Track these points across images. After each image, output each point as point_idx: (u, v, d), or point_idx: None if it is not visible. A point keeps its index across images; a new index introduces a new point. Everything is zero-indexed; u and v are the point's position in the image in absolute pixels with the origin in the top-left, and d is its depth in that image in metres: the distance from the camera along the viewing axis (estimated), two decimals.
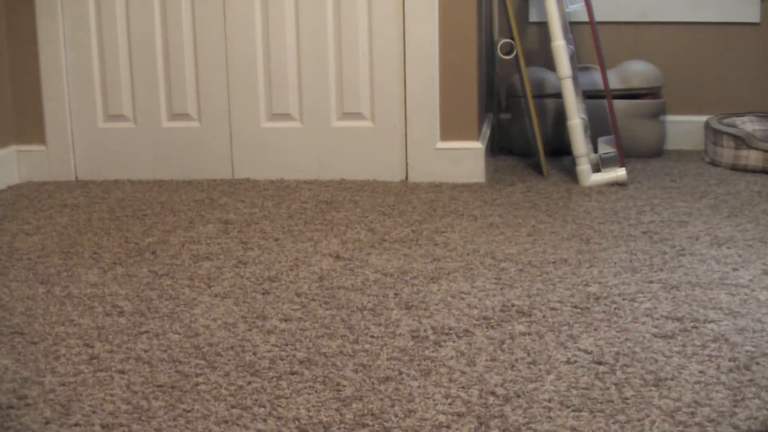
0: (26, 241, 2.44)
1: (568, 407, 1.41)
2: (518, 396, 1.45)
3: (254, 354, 1.65)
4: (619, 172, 3.02)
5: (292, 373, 1.56)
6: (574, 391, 1.46)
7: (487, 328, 1.75)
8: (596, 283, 2.01)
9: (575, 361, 1.58)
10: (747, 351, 1.61)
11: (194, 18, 3.15)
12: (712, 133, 3.36)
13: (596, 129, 3.26)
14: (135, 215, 2.71)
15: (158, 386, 1.52)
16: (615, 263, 2.15)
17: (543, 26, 3.48)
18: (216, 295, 1.98)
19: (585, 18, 3.21)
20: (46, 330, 1.79)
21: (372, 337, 1.72)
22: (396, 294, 1.96)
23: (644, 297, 1.91)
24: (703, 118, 3.54)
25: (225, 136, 3.18)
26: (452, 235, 2.42)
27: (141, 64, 3.20)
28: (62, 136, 3.25)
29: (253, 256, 2.26)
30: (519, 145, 3.62)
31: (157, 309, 1.90)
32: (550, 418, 1.38)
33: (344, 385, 1.51)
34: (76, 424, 1.39)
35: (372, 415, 1.40)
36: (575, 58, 3.18)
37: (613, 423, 1.36)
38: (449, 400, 1.45)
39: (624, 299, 1.90)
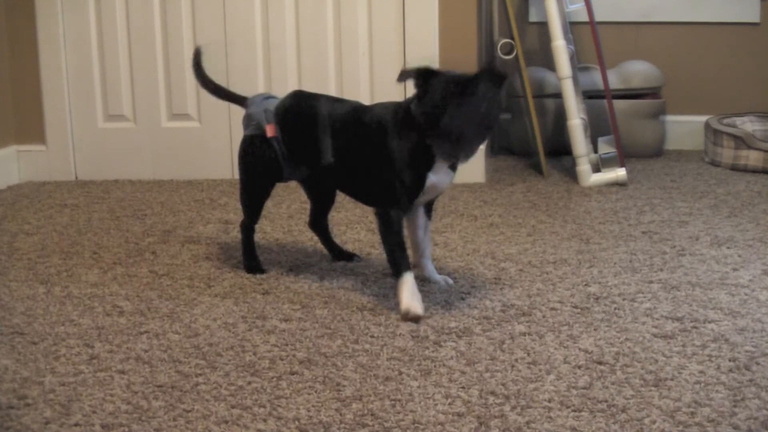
0: (26, 241, 2.44)
1: (568, 407, 1.41)
2: (518, 396, 1.45)
3: (254, 354, 1.65)
4: (619, 172, 3.02)
5: (292, 373, 1.56)
6: (574, 391, 1.46)
7: (487, 328, 1.75)
8: (596, 283, 2.01)
9: (575, 361, 1.58)
10: (747, 351, 1.61)
11: (194, 18, 3.15)
12: (712, 133, 3.36)
13: (596, 129, 3.26)
14: (135, 215, 2.71)
15: (158, 386, 1.52)
16: (615, 263, 2.15)
17: (543, 26, 3.48)
18: (216, 295, 1.97)
19: (585, 18, 3.21)
20: (46, 330, 1.79)
21: (372, 337, 1.72)
22: (396, 294, 1.96)
23: (644, 297, 1.91)
24: (703, 118, 3.54)
25: (225, 136, 3.18)
26: (452, 235, 2.42)
27: (141, 64, 3.20)
28: (62, 136, 3.25)
29: None
30: (519, 145, 3.62)
31: (157, 309, 1.90)
32: (550, 418, 1.38)
33: (344, 385, 1.51)
34: (76, 424, 1.39)
35: (372, 415, 1.40)
36: (575, 58, 3.18)
37: (613, 423, 1.36)
38: (449, 400, 1.45)
39: (624, 299, 1.90)
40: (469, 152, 1.78)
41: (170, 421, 1.40)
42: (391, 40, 3.06)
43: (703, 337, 1.68)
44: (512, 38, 3.18)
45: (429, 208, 2.01)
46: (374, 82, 3.09)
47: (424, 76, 1.77)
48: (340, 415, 1.40)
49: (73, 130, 3.26)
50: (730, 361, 1.57)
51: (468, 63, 3.04)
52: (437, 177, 1.87)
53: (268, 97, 2.12)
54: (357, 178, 1.95)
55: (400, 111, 1.88)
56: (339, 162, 1.95)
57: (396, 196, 1.85)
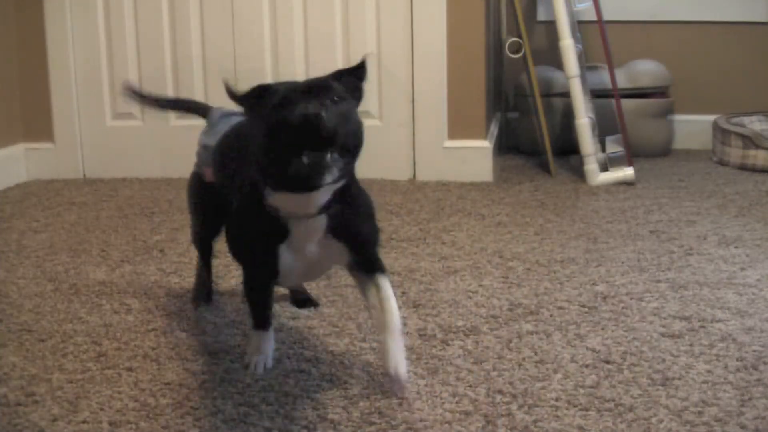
0: (34, 239, 2.45)
1: (575, 406, 1.41)
2: (525, 395, 1.45)
3: None
4: (627, 172, 3.02)
5: (300, 371, 1.56)
6: (582, 390, 1.46)
7: (494, 326, 1.75)
8: (604, 282, 2.01)
9: (582, 360, 1.58)
10: (754, 351, 1.61)
11: (202, 17, 3.16)
12: (720, 132, 3.36)
13: (604, 128, 3.26)
14: (143, 213, 2.71)
15: (166, 384, 1.52)
16: (622, 262, 2.14)
17: (551, 25, 3.48)
18: (224, 293, 1.98)
19: (593, 17, 3.20)
20: (53, 327, 1.79)
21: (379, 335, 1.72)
22: (403, 293, 1.96)
23: (652, 296, 1.91)
24: (711, 118, 3.53)
25: None
26: (460, 234, 2.42)
27: (149, 63, 3.20)
28: (70, 134, 3.26)
29: None
30: (527, 144, 3.62)
31: (165, 307, 1.90)
32: (558, 417, 1.38)
33: (351, 384, 1.51)
34: (83, 421, 1.39)
35: (379, 413, 1.40)
36: (583, 57, 3.18)
37: (621, 422, 1.35)
38: (456, 398, 1.45)
39: (631, 298, 1.90)
40: (333, 166, 1.22)
41: (178, 418, 1.40)
42: (400, 39, 3.06)
43: (710, 336, 1.68)
44: (520, 37, 3.17)
45: (368, 268, 1.47)
46: (382, 81, 3.09)
47: (252, 96, 1.31)
48: (347, 413, 1.41)
49: (81, 128, 3.27)
50: (737, 360, 1.57)
51: (476, 63, 3.05)
52: (304, 253, 1.38)
53: (229, 114, 1.72)
54: None
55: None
56: None
57: (244, 267, 1.50)
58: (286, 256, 1.38)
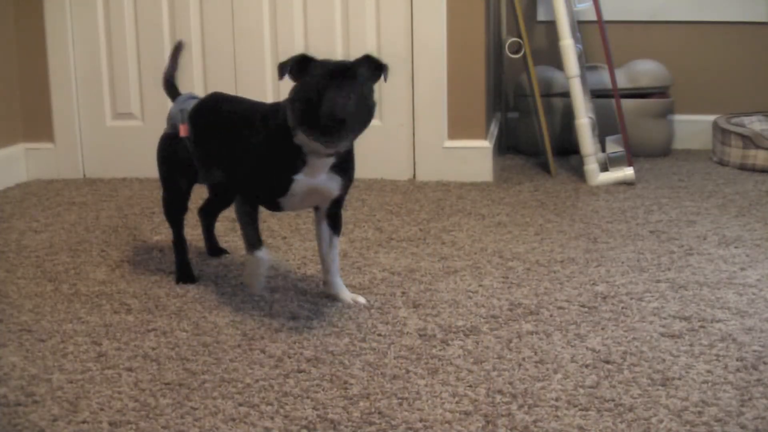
0: (34, 239, 2.45)
1: (575, 406, 1.41)
2: (525, 395, 1.45)
3: (262, 352, 1.65)
4: (627, 172, 3.01)
5: (300, 371, 1.56)
6: (582, 390, 1.46)
7: (494, 326, 1.75)
8: (604, 282, 2.01)
9: (582, 360, 1.58)
10: (755, 351, 1.61)
11: (202, 16, 3.15)
12: (720, 132, 3.36)
13: (604, 128, 3.26)
14: (143, 213, 2.71)
15: (166, 384, 1.52)
16: (622, 262, 2.14)
17: (551, 25, 3.48)
18: (224, 293, 1.98)
19: (593, 17, 3.20)
20: (54, 327, 1.79)
21: (379, 335, 1.72)
22: (403, 292, 1.96)
23: (652, 296, 1.91)
24: (711, 118, 3.53)
25: None
26: (460, 234, 2.42)
27: (149, 62, 3.20)
28: (70, 134, 3.26)
29: None
30: (526, 144, 3.62)
31: (165, 307, 1.90)
32: (557, 417, 1.38)
33: (351, 384, 1.51)
34: (83, 422, 1.39)
35: (379, 413, 1.40)
36: (583, 57, 3.18)
37: (620, 422, 1.35)
38: (456, 398, 1.45)
39: (631, 298, 1.90)
40: (347, 138, 1.65)
41: (178, 418, 1.40)
42: (399, 39, 3.06)
43: (710, 336, 1.68)
44: (520, 37, 3.17)
45: (334, 221, 1.89)
46: (382, 81, 3.08)
47: (299, 64, 1.67)
48: (347, 413, 1.41)
49: (81, 128, 3.27)
50: (737, 360, 1.57)
51: (476, 63, 3.05)
52: (314, 180, 1.76)
53: (192, 97, 2.08)
54: (231, 173, 1.89)
55: (274, 109, 1.80)
56: (226, 161, 1.89)
57: (250, 193, 1.81)
58: (299, 181, 1.74)
